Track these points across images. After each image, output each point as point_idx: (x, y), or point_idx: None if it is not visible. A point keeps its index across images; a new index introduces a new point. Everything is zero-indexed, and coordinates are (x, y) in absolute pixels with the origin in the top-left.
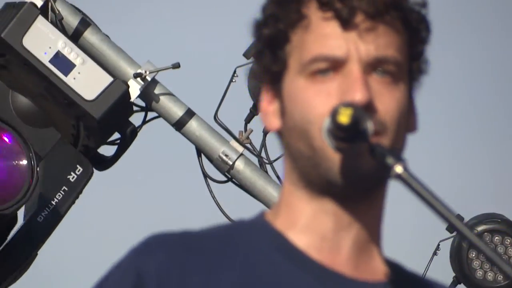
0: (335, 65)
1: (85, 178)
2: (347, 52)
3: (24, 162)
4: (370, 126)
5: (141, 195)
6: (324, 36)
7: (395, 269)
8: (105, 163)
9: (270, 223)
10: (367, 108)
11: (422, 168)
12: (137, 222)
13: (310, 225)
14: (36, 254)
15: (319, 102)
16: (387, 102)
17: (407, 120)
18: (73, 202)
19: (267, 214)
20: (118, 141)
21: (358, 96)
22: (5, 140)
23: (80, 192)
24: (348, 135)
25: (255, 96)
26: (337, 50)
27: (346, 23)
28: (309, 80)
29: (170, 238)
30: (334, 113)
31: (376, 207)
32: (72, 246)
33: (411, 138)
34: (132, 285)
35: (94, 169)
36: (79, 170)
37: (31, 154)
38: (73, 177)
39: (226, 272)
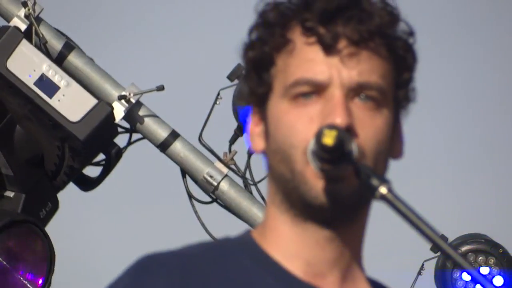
0: (318, 89)
1: (52, 212)
2: (329, 77)
3: (41, 281)
4: (354, 147)
5: (126, 215)
6: (307, 60)
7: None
8: (90, 183)
9: (257, 242)
10: (348, 131)
11: (405, 190)
12: (123, 242)
13: (294, 252)
14: None
15: (301, 127)
16: (367, 128)
17: (390, 146)
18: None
19: (253, 232)
20: (103, 162)
21: (339, 120)
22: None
23: (46, 224)
24: (333, 157)
25: (239, 118)
26: (319, 74)
27: (329, 49)
28: (292, 103)
29: (166, 260)
30: (318, 135)
31: (358, 228)
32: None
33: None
34: None
35: (79, 189)
36: (49, 206)
37: (49, 272)
38: (43, 213)
39: None
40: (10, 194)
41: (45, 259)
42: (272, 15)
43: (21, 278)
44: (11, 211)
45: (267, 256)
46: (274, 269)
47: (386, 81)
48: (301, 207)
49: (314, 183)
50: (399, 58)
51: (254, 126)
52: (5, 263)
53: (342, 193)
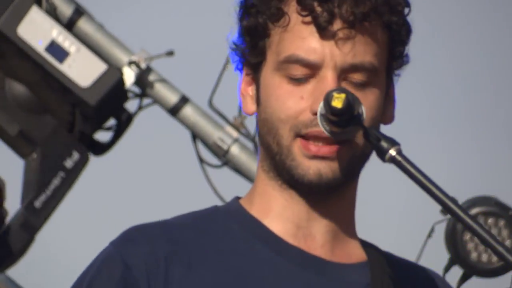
0: (309, 71)
1: (81, 164)
2: (322, 57)
3: None
4: (363, 110)
5: (136, 180)
6: (301, 38)
7: (372, 250)
8: (101, 148)
9: (245, 209)
10: None
11: (414, 153)
12: (134, 205)
13: (284, 214)
14: (34, 239)
15: (291, 103)
16: None
17: (381, 115)
18: (70, 187)
19: (242, 200)
20: (114, 127)
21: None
22: None
23: (77, 177)
24: (342, 119)
25: None
26: (312, 54)
27: (324, 29)
28: (284, 79)
29: (151, 230)
30: (327, 98)
31: (346, 198)
32: (70, 230)
33: (403, 123)
34: (120, 276)
35: (90, 154)
36: (76, 155)
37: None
38: (70, 162)
39: (206, 264)
40: (34, 156)
41: None
42: None
43: None
44: None
45: (255, 221)
46: (262, 234)
47: (379, 57)
48: (288, 180)
49: (301, 160)
50: (394, 32)
51: (246, 86)
52: None
53: (328, 171)
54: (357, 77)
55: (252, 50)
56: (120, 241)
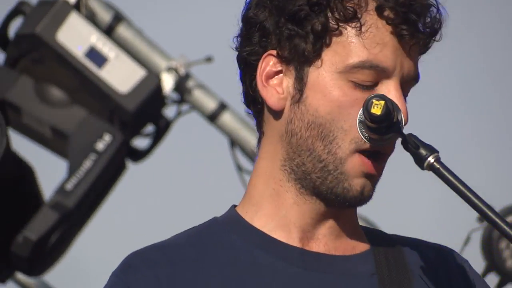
0: (379, 77)
1: (114, 145)
2: (394, 66)
3: None
4: (402, 118)
5: (174, 186)
6: (378, 44)
7: (375, 237)
8: (139, 155)
9: (243, 218)
10: None
11: (448, 161)
12: (171, 213)
13: (291, 218)
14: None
15: (356, 112)
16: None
17: None
18: (103, 170)
19: (238, 208)
20: (152, 134)
21: (401, 116)
22: None
23: (110, 159)
24: (381, 126)
25: None
26: (387, 61)
27: (402, 40)
28: (349, 84)
29: (151, 254)
30: (367, 105)
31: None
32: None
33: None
34: None
35: (128, 161)
36: (107, 138)
37: None
38: (101, 145)
39: (208, 280)
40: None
41: None
42: None
43: None
44: None
45: (253, 228)
46: (261, 241)
47: None
48: (321, 188)
49: (353, 175)
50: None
51: (267, 77)
52: None
53: (370, 189)
54: (410, 86)
55: (307, 44)
56: (122, 269)
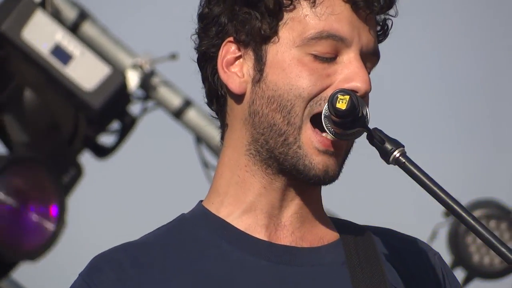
0: (337, 48)
1: (75, 179)
2: (352, 36)
3: (55, 208)
4: (367, 112)
5: (140, 183)
6: (334, 15)
7: (345, 227)
8: (105, 151)
9: (210, 211)
10: (363, 97)
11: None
12: (137, 209)
13: (258, 205)
14: None
15: (316, 80)
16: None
17: None
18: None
19: (205, 202)
20: (118, 130)
21: (364, 85)
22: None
23: (71, 191)
24: (346, 121)
25: None
26: (344, 31)
27: (358, 10)
28: (308, 57)
29: (115, 256)
30: (332, 99)
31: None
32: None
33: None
34: None
35: (94, 157)
36: (71, 172)
37: (61, 199)
38: (65, 180)
39: (175, 278)
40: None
41: (54, 191)
42: None
43: (34, 214)
44: (10, 154)
45: (221, 221)
46: (229, 235)
47: None
48: (285, 164)
49: (310, 152)
50: (384, 29)
51: (228, 64)
52: (14, 204)
53: (334, 168)
54: (372, 62)
55: (263, 24)
56: (88, 271)
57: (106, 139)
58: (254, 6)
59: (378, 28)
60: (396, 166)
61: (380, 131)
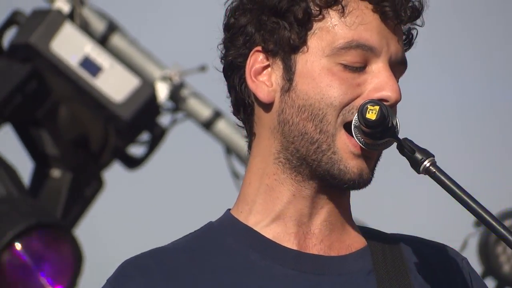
0: (367, 58)
1: (96, 192)
2: (381, 45)
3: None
4: (397, 122)
5: (170, 194)
6: (363, 24)
7: (373, 235)
8: (134, 162)
9: (238, 220)
10: (392, 106)
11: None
12: (168, 219)
13: (287, 212)
14: None
15: (346, 89)
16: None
17: None
18: (84, 213)
19: (233, 210)
20: (147, 142)
21: (394, 94)
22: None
23: (91, 204)
24: (376, 131)
25: None
26: (373, 41)
27: (387, 19)
28: (338, 66)
29: (144, 262)
30: (362, 110)
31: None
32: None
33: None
34: None
35: (124, 168)
36: (93, 185)
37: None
38: (88, 191)
39: (207, 286)
40: (56, 174)
41: (70, 266)
42: None
43: (43, 279)
44: (40, 211)
45: (248, 230)
46: (257, 243)
47: None
48: (318, 170)
49: (345, 156)
50: (409, 40)
51: (256, 73)
52: (29, 263)
53: (368, 172)
54: (401, 71)
55: (292, 34)
56: (116, 278)
57: (136, 150)
58: (282, 16)
59: (404, 37)
60: (427, 176)
61: (410, 141)
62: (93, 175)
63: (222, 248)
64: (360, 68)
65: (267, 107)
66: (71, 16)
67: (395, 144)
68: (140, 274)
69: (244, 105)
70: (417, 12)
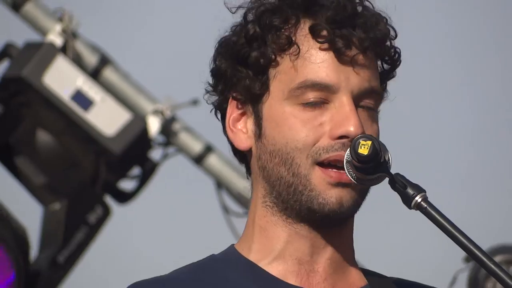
0: (325, 96)
1: (103, 219)
2: (338, 81)
3: (11, 276)
4: (390, 157)
5: (160, 228)
6: (316, 63)
7: (373, 276)
8: (125, 197)
9: (242, 255)
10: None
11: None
12: (158, 254)
13: (286, 251)
14: None
15: (308, 131)
16: (370, 133)
17: None
18: (92, 242)
19: (237, 245)
20: (138, 176)
21: (354, 129)
22: None
23: (99, 232)
24: (369, 167)
25: None
26: (329, 78)
27: (341, 54)
28: (297, 107)
29: (152, 287)
30: (354, 145)
31: (348, 227)
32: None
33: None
34: None
35: (115, 202)
36: (99, 211)
37: (18, 268)
38: (92, 218)
39: None
40: (56, 206)
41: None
42: (269, 14)
43: None
44: None
45: (253, 265)
46: (261, 279)
47: (380, 86)
48: (299, 210)
49: (322, 188)
50: (389, 67)
51: (234, 122)
52: None
53: (349, 199)
54: (369, 102)
55: (253, 82)
56: None
57: (126, 185)
58: (245, 64)
59: (384, 62)
60: (418, 212)
61: (402, 176)
62: (95, 200)
63: (225, 281)
64: (320, 104)
65: (248, 153)
66: (63, 49)
67: (387, 179)
68: None
69: (237, 150)
70: (377, 40)
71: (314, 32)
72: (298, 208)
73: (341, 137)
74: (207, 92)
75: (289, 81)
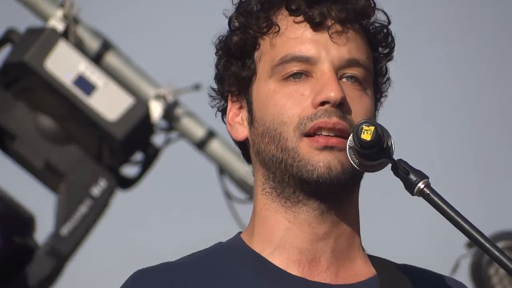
0: (306, 68)
1: (108, 192)
2: (318, 53)
3: None
4: (393, 143)
5: (163, 214)
6: (295, 38)
7: (382, 264)
8: (128, 182)
9: (246, 244)
10: (340, 106)
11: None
12: (160, 239)
13: (287, 240)
14: (63, 268)
15: (292, 104)
16: (358, 106)
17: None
18: (99, 215)
19: (243, 234)
20: (141, 161)
21: (332, 94)
22: None
23: (105, 205)
24: (371, 152)
25: None
26: (307, 51)
27: (317, 26)
28: (281, 83)
29: (154, 275)
30: (357, 130)
31: (349, 214)
32: (96, 264)
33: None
34: None
35: (117, 188)
36: (103, 183)
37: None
38: (96, 191)
39: None
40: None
41: None
42: (253, 2)
43: None
44: None
45: (256, 255)
46: (264, 269)
47: (370, 62)
48: (296, 185)
49: (310, 156)
50: (380, 45)
51: (233, 116)
52: None
53: (337, 163)
54: (354, 71)
55: (241, 66)
56: (126, 286)
57: (129, 170)
58: (231, 54)
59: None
60: (420, 197)
61: (405, 162)
62: (99, 173)
63: (230, 271)
64: (302, 79)
65: (247, 143)
66: (65, 35)
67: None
68: (152, 286)
69: (238, 143)
70: (363, 8)
71: (290, 8)
72: (292, 184)
73: (322, 103)
74: (210, 96)
75: (271, 59)
